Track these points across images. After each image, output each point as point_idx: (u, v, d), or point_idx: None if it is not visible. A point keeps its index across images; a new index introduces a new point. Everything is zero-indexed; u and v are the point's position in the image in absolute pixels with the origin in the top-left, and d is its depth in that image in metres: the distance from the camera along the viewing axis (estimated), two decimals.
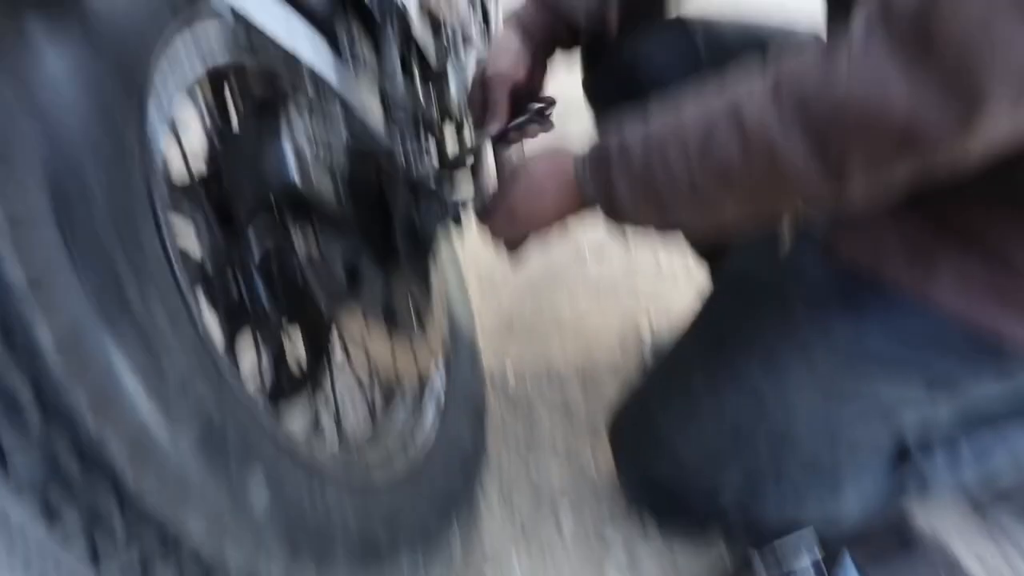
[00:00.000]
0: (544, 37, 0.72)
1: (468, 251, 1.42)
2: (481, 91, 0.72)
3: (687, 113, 0.51)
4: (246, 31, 0.45)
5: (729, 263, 0.73)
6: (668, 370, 0.73)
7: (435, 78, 0.93)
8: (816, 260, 0.61)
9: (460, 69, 0.98)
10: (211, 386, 0.39)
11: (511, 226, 0.61)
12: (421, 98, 0.85)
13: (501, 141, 0.67)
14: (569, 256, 1.39)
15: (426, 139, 0.78)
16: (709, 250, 0.99)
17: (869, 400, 0.60)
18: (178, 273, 0.40)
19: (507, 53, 0.71)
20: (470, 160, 0.78)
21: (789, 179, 0.44)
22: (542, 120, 0.68)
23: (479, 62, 0.94)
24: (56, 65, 0.35)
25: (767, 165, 0.45)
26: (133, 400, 0.33)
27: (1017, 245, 0.51)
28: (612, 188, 0.54)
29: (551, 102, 0.70)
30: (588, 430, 1.02)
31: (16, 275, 0.29)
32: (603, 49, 0.77)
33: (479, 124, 0.73)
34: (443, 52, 0.94)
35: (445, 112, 1.06)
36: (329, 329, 0.53)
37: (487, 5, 1.34)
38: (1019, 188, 0.49)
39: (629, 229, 0.57)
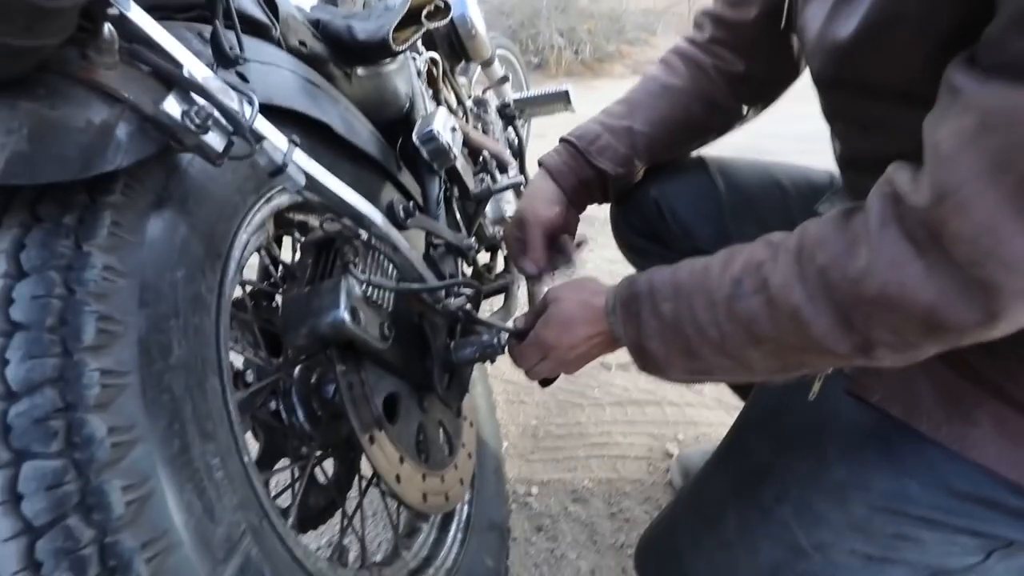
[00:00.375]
0: (574, 185, 0.77)
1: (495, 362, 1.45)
2: (518, 231, 0.77)
3: (714, 264, 0.54)
4: (312, 194, 0.51)
5: (757, 393, 0.73)
6: (698, 505, 0.71)
7: (472, 205, 1.01)
8: (848, 401, 0.61)
9: (496, 196, 1.07)
10: (253, 522, 0.41)
11: (542, 359, 0.63)
12: (460, 226, 0.92)
13: (535, 279, 0.72)
14: (594, 366, 1.40)
15: (462, 267, 0.83)
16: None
17: (912, 553, 0.57)
18: (234, 416, 0.43)
19: (542, 198, 0.77)
20: (502, 288, 0.82)
21: (815, 342, 0.46)
22: (573, 263, 0.73)
23: (513, 185, 1.02)
24: (156, 233, 0.40)
25: (793, 327, 0.46)
26: (184, 547, 0.35)
27: None
28: (641, 330, 0.56)
29: (582, 242, 0.75)
30: (612, 550, 0.98)
31: (99, 426, 0.32)
32: (630, 186, 0.84)
33: (515, 262, 0.78)
34: (480, 180, 1.03)
35: (481, 238, 1.14)
36: (361, 457, 0.54)
37: (519, 132, 1.47)
38: None
39: (660, 373, 0.58)
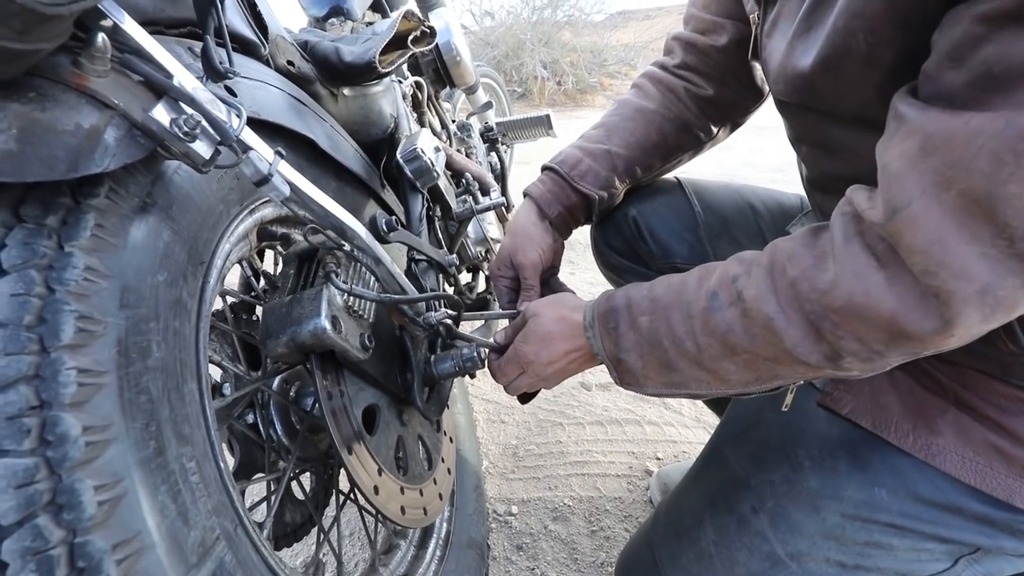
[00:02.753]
0: (560, 212, 0.79)
1: (476, 380, 1.45)
2: (509, 270, 0.78)
3: (690, 280, 0.55)
4: (296, 206, 0.52)
5: (733, 408, 0.74)
6: (676, 519, 0.71)
7: (455, 225, 1.02)
8: (820, 414, 0.62)
9: (479, 217, 1.08)
10: (228, 528, 0.40)
11: (520, 374, 0.64)
12: (442, 245, 0.93)
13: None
14: (574, 386, 1.41)
15: (444, 285, 0.84)
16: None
17: (884, 560, 0.58)
18: (211, 421, 0.42)
19: (529, 238, 0.77)
20: (484, 304, 0.83)
21: (787, 352, 0.47)
22: None
23: (495, 206, 1.04)
24: (139, 237, 0.41)
25: (767, 338, 0.48)
26: (157, 550, 0.34)
27: (1016, 414, 0.53)
28: (619, 344, 0.57)
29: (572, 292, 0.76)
30: (593, 568, 0.97)
31: (73, 425, 0.32)
32: (610, 207, 0.86)
33: (503, 300, 0.78)
34: (463, 201, 1.05)
35: (463, 259, 1.15)
36: (339, 472, 0.54)
37: (502, 156, 1.50)
38: (1001, 363, 0.52)
39: (637, 387, 0.59)
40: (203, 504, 0.38)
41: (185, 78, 0.43)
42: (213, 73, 0.49)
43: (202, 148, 0.43)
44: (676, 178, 0.89)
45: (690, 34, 0.80)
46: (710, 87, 0.79)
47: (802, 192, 0.81)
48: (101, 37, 0.38)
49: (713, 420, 1.29)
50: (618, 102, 0.85)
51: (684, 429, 1.28)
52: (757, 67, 0.78)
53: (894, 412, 0.59)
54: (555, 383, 0.66)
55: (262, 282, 0.73)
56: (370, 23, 1.25)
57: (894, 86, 0.44)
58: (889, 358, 0.45)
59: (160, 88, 0.42)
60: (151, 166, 0.44)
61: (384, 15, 1.43)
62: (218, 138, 0.44)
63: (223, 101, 0.45)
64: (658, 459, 1.20)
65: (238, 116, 0.46)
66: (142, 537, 0.33)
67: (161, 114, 0.40)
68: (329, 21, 1.21)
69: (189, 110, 0.42)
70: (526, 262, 0.76)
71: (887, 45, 0.44)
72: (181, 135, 0.41)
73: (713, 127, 0.82)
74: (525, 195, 0.83)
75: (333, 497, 0.71)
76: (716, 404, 1.03)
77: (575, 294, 0.72)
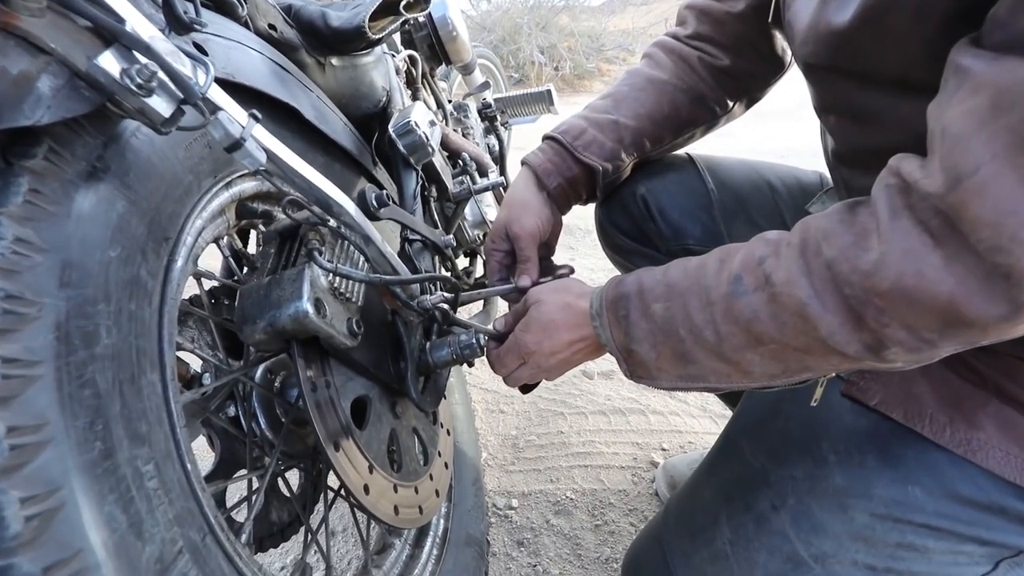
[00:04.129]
0: (559, 184, 0.74)
1: (474, 368, 1.40)
2: (504, 243, 0.72)
3: (709, 262, 0.50)
4: (275, 177, 0.46)
5: (749, 397, 0.70)
6: (688, 516, 0.67)
7: (452, 206, 0.97)
8: (845, 404, 0.58)
9: (476, 199, 1.03)
10: (193, 539, 0.35)
11: (521, 364, 0.59)
12: (438, 226, 0.88)
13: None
14: (576, 375, 1.36)
15: (440, 267, 0.79)
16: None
17: (918, 563, 0.54)
18: (177, 417, 0.37)
19: (526, 208, 0.72)
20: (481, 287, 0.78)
21: (822, 342, 0.43)
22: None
23: (494, 185, 0.98)
24: (86, 206, 0.35)
25: (798, 326, 0.43)
26: (102, 571, 0.29)
27: None
28: (629, 333, 0.52)
29: (571, 270, 0.71)
30: (597, 564, 0.93)
31: None
32: (617, 184, 0.81)
33: (491, 274, 0.73)
34: (459, 182, 0.99)
35: (460, 242, 1.09)
36: (328, 467, 0.49)
37: (501, 136, 1.44)
38: None
39: (650, 380, 0.54)
40: (162, 513, 0.33)
41: (140, 24, 0.37)
42: (177, 24, 0.43)
43: (160, 105, 0.37)
44: (687, 154, 0.84)
45: (705, 1, 0.74)
46: (726, 57, 0.73)
47: (821, 169, 0.76)
48: None
49: (721, 410, 1.25)
50: (628, 72, 0.79)
51: (690, 419, 1.23)
52: (777, 36, 0.72)
53: (928, 403, 0.54)
54: (557, 375, 0.61)
55: (244, 264, 0.68)
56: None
57: (948, 41, 0.39)
58: (941, 348, 0.40)
59: (109, 34, 0.36)
60: (103, 126, 0.38)
61: None
62: (180, 95, 0.38)
63: (187, 55, 0.40)
64: (664, 450, 1.16)
65: (205, 71, 0.40)
66: (83, 556, 0.28)
67: (109, 62, 0.35)
68: None
69: (144, 60, 0.36)
70: (522, 232, 0.71)
71: None
72: (134, 87, 0.35)
73: (729, 100, 0.76)
74: (523, 164, 0.78)
75: (322, 494, 0.66)
76: (728, 396, 0.98)
77: (577, 276, 0.66)
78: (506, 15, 6.90)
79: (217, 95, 0.41)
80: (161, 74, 0.37)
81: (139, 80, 0.35)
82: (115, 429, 0.31)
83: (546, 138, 0.76)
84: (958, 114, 0.36)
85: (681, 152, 0.82)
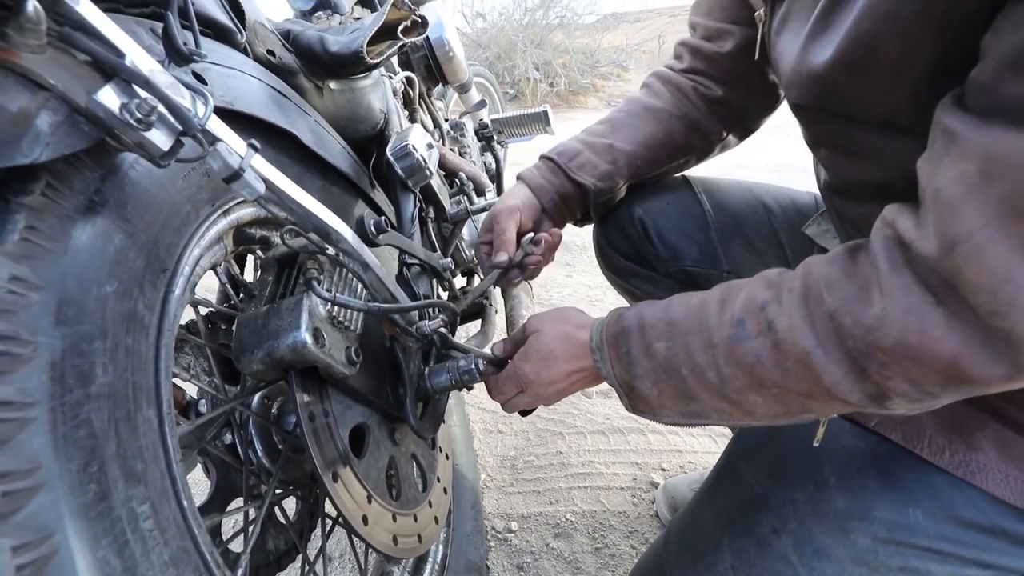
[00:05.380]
0: (554, 200, 0.75)
1: (472, 390, 1.39)
2: (489, 232, 0.74)
3: (710, 301, 0.50)
4: (273, 206, 0.46)
5: None
6: (689, 539, 0.66)
7: (449, 227, 0.97)
8: (844, 426, 0.58)
9: (474, 219, 1.03)
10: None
11: (519, 392, 0.59)
12: (436, 249, 0.88)
13: (506, 276, 0.68)
14: (576, 395, 1.35)
15: (438, 290, 0.79)
16: None
17: None
18: (173, 453, 0.37)
19: (515, 196, 0.74)
20: (479, 309, 0.78)
21: (825, 389, 0.43)
22: (544, 253, 0.70)
23: (491, 206, 0.99)
24: (83, 241, 0.35)
25: (802, 373, 0.43)
26: None
27: None
28: (631, 370, 0.52)
29: (557, 236, 0.72)
30: None
31: None
32: (612, 205, 0.81)
33: (483, 263, 0.74)
34: (456, 202, 1.00)
35: (457, 262, 1.10)
36: (326, 495, 0.48)
37: (497, 155, 1.45)
38: None
39: (652, 415, 0.54)
40: (157, 555, 0.32)
41: (140, 57, 0.37)
42: (176, 55, 0.43)
43: (159, 138, 0.37)
44: (684, 176, 0.84)
45: (696, 41, 0.76)
46: (720, 89, 0.75)
47: (815, 190, 0.76)
48: (33, 6, 0.32)
49: (721, 430, 1.24)
50: (626, 99, 0.80)
51: (690, 438, 1.23)
52: (769, 70, 0.74)
53: (927, 425, 0.54)
54: (555, 401, 0.61)
55: (241, 290, 0.68)
56: (358, 18, 1.20)
57: (930, 92, 0.39)
58: (943, 399, 0.40)
59: (109, 68, 0.36)
60: (101, 159, 0.38)
61: (373, 10, 1.38)
62: (179, 127, 0.38)
63: (186, 86, 0.40)
64: (663, 470, 1.15)
65: (204, 103, 0.40)
66: None
67: (109, 98, 0.35)
68: (315, 15, 1.16)
69: (144, 94, 0.37)
70: (501, 209, 0.72)
71: (921, 50, 0.39)
72: (133, 122, 0.35)
73: (723, 130, 0.78)
74: (518, 179, 0.79)
75: (319, 521, 0.65)
76: None
77: (577, 308, 0.66)
78: (501, 32, 6.99)
79: (216, 126, 0.41)
80: (160, 108, 0.37)
81: (139, 115, 0.35)
82: (110, 470, 0.31)
83: (542, 157, 0.77)
84: (949, 179, 0.36)
85: (678, 175, 0.83)
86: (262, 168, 0.44)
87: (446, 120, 1.43)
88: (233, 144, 0.42)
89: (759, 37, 0.61)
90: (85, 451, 0.30)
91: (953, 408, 0.53)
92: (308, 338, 0.44)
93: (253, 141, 0.44)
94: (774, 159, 3.46)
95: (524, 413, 0.66)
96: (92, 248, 0.35)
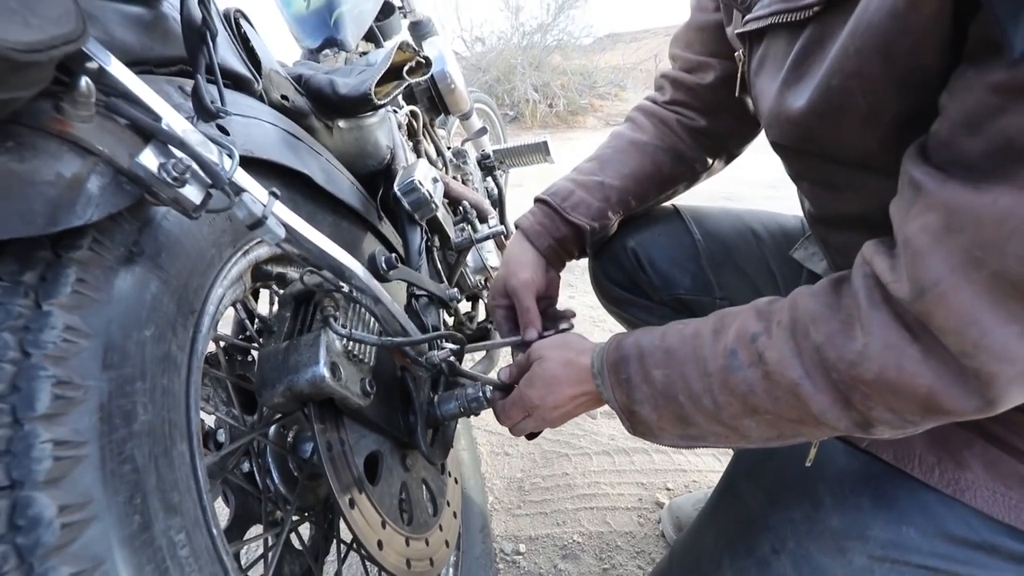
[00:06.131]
0: (550, 244, 0.78)
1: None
2: (504, 299, 0.76)
3: (704, 331, 0.53)
4: (292, 247, 0.50)
5: None
6: (693, 561, 0.68)
7: (453, 255, 1.00)
8: (838, 447, 0.60)
9: (477, 246, 1.06)
10: None
11: (525, 417, 0.62)
12: (442, 276, 0.91)
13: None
14: (580, 417, 1.37)
15: (444, 318, 0.82)
16: None
17: None
18: (203, 484, 0.39)
19: (521, 263, 0.76)
20: (484, 337, 0.81)
21: (814, 416, 0.45)
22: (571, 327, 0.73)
23: (494, 234, 1.02)
24: (124, 290, 0.38)
25: (791, 402, 0.46)
26: None
27: None
28: (631, 395, 0.55)
29: (572, 314, 0.75)
30: None
31: (47, 506, 0.29)
32: (606, 239, 0.84)
33: (502, 330, 0.76)
34: (460, 229, 1.03)
35: (462, 288, 1.13)
36: (340, 520, 0.51)
37: (499, 182, 1.49)
38: None
39: (652, 438, 0.57)
40: None
41: (175, 120, 0.41)
42: (204, 113, 0.47)
43: (192, 193, 0.40)
44: (673, 205, 0.88)
45: (677, 72, 0.80)
46: (702, 119, 0.78)
47: (802, 214, 0.80)
48: (85, 81, 0.36)
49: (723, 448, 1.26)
50: (612, 135, 0.84)
51: (694, 457, 1.24)
52: (749, 101, 0.77)
53: (917, 444, 0.56)
54: (560, 424, 0.64)
55: (256, 323, 0.71)
56: (364, 53, 1.25)
57: (898, 141, 0.43)
58: (924, 425, 0.43)
59: (148, 131, 0.40)
60: (138, 212, 0.41)
61: (378, 45, 1.43)
62: (209, 181, 0.42)
63: (214, 142, 0.44)
64: (668, 489, 1.16)
65: (230, 157, 0.44)
66: None
67: (149, 159, 0.38)
68: (323, 52, 1.21)
69: (178, 153, 0.40)
70: (519, 285, 0.74)
71: (887, 104, 0.43)
72: (170, 180, 0.39)
73: (708, 158, 0.81)
74: (516, 227, 0.82)
75: (333, 545, 0.67)
76: None
77: (578, 333, 0.69)
78: (500, 56, 7.13)
79: (241, 177, 0.45)
80: (194, 166, 0.40)
81: (175, 173, 0.39)
82: (152, 502, 0.34)
83: (537, 200, 0.81)
84: (917, 228, 0.39)
85: (668, 204, 0.86)
86: (282, 214, 0.48)
87: (448, 148, 1.47)
88: (256, 193, 0.46)
89: (739, 75, 0.64)
90: (130, 485, 0.33)
91: (941, 428, 0.56)
92: (326, 372, 0.47)
93: (274, 189, 0.48)
94: (769, 175, 3.51)
95: (531, 436, 0.69)
96: (132, 296, 0.38)
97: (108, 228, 0.38)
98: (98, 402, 0.33)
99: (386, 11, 1.47)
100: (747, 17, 0.55)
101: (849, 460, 0.60)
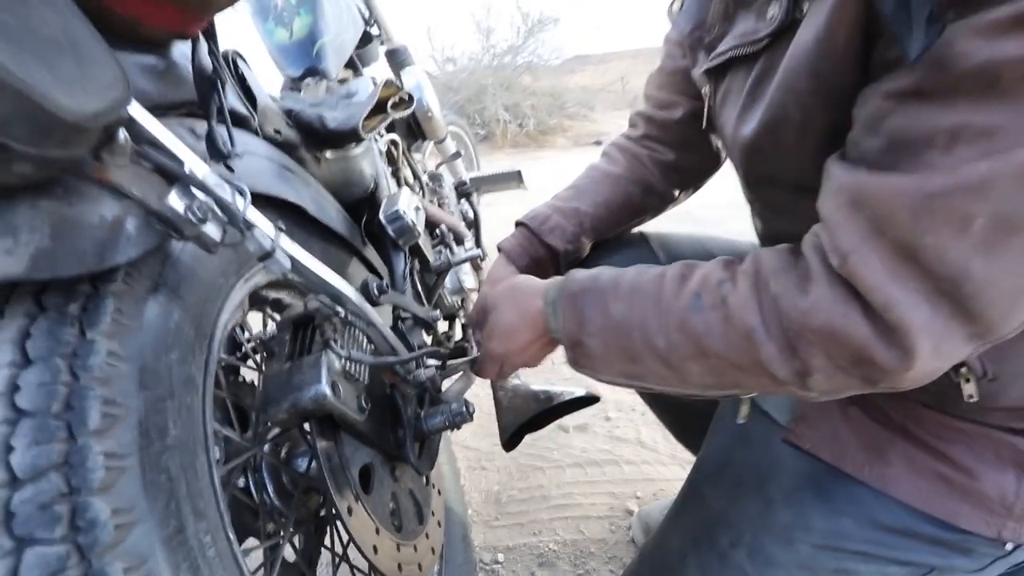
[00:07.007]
0: (529, 264, 0.85)
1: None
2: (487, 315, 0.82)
3: (669, 275, 0.56)
4: (295, 276, 0.55)
5: (707, 447, 0.79)
6: (660, 558, 0.74)
7: (432, 277, 1.06)
8: (786, 450, 0.67)
9: (455, 268, 1.12)
10: None
11: (500, 365, 0.67)
12: (422, 298, 0.96)
13: None
14: (552, 428, 1.43)
15: (425, 337, 0.87)
16: (685, 433, 1.07)
17: None
18: (219, 492, 0.44)
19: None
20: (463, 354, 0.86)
21: (759, 364, 0.50)
22: None
23: (471, 258, 1.08)
24: (152, 318, 0.42)
25: (743, 346, 0.50)
26: None
27: (955, 443, 0.59)
28: (583, 326, 0.58)
29: None
30: None
31: (102, 509, 0.33)
32: (580, 261, 0.92)
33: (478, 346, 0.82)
34: (438, 252, 1.09)
35: (440, 308, 1.18)
36: (327, 530, 0.55)
37: (475, 206, 1.56)
38: (937, 394, 0.59)
39: (593, 371, 0.60)
40: None
41: (195, 164, 0.46)
42: (217, 154, 0.52)
43: (212, 230, 0.45)
44: (641, 232, 0.96)
45: (650, 110, 0.89)
46: (672, 153, 0.87)
47: (754, 239, 0.89)
48: (123, 133, 0.41)
49: (689, 458, 1.33)
50: (588, 167, 0.92)
51: (660, 467, 1.31)
52: (713, 137, 0.87)
53: (850, 445, 0.64)
54: (537, 363, 0.68)
55: (248, 343, 0.74)
56: (343, 80, 1.30)
57: (826, 155, 0.50)
58: (850, 379, 0.48)
59: (172, 175, 0.45)
60: (161, 248, 0.46)
61: (355, 71, 1.49)
62: (226, 219, 0.47)
63: (227, 182, 0.48)
64: (638, 498, 1.22)
65: (242, 195, 0.49)
66: None
67: (175, 201, 0.43)
68: (305, 81, 1.26)
69: (200, 195, 0.45)
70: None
71: (817, 116, 0.51)
72: (194, 220, 0.43)
73: (675, 190, 0.90)
74: (499, 249, 0.89)
75: (321, 556, 0.70)
76: (688, 438, 1.07)
77: (528, 276, 0.70)
78: (471, 76, 7.27)
79: (251, 214, 0.50)
80: (213, 205, 0.45)
81: (199, 214, 0.43)
82: (184, 507, 0.38)
83: (518, 224, 0.88)
84: (832, 207, 0.47)
85: (636, 230, 0.95)
86: (288, 247, 0.53)
87: (424, 172, 1.53)
88: (265, 228, 0.51)
89: (705, 109, 0.72)
90: (166, 492, 0.37)
91: (870, 430, 0.64)
92: (328, 391, 0.52)
93: (280, 224, 0.52)
94: (727, 197, 3.68)
95: (510, 447, 0.74)
96: (159, 323, 0.42)
97: (137, 263, 0.43)
98: (137, 419, 0.37)
99: (364, 39, 1.53)
100: (711, 54, 0.64)
101: (795, 462, 0.68)
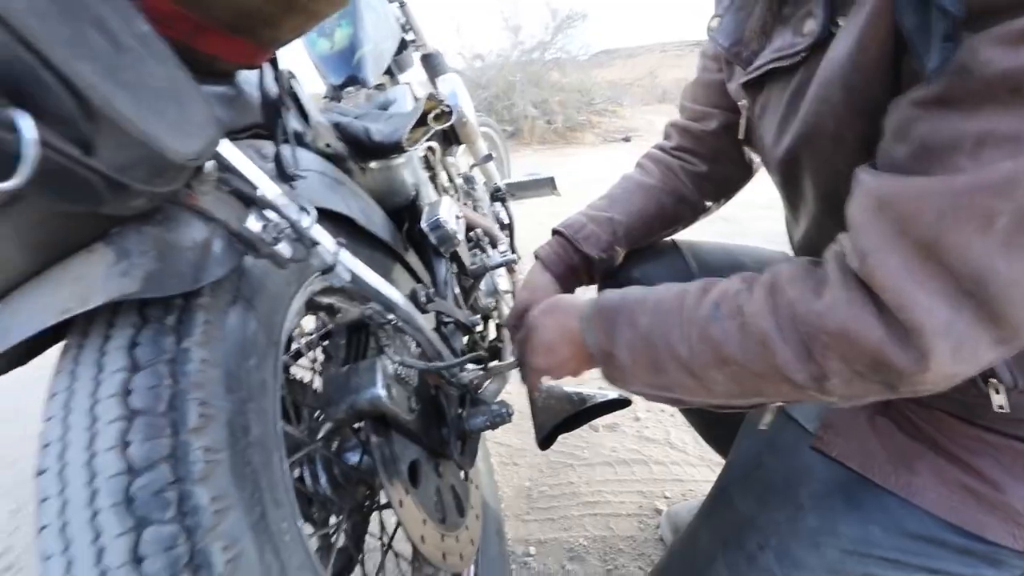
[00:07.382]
0: (564, 272, 0.88)
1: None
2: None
3: (692, 289, 0.59)
4: (353, 287, 0.59)
5: (736, 452, 0.81)
6: (689, 557, 0.77)
7: (469, 280, 1.10)
8: (815, 457, 0.69)
9: (491, 271, 1.16)
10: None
11: (544, 375, 0.71)
12: (460, 301, 1.01)
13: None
14: (583, 428, 1.46)
15: (465, 339, 0.92)
16: (715, 439, 1.09)
17: None
18: (291, 486, 0.49)
19: (542, 288, 0.86)
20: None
21: (776, 369, 0.51)
22: None
23: (506, 263, 1.12)
24: (233, 327, 0.48)
25: (759, 352, 0.52)
26: None
27: (982, 455, 0.60)
28: (614, 339, 0.61)
29: None
30: None
31: (203, 497, 0.38)
32: (613, 269, 0.95)
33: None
34: (474, 255, 1.13)
35: (475, 310, 1.23)
36: (368, 521, 0.59)
37: (510, 211, 1.60)
38: (967, 406, 0.60)
39: (623, 383, 0.63)
40: (295, 561, 0.44)
41: (268, 187, 0.51)
42: (283, 175, 0.57)
43: (284, 248, 0.50)
44: (673, 240, 0.98)
45: (684, 121, 0.91)
46: (704, 164, 0.89)
47: (786, 250, 0.90)
48: (211, 163, 0.46)
49: (717, 459, 1.35)
50: (622, 177, 0.95)
51: (689, 468, 1.33)
52: (746, 148, 0.88)
53: (878, 455, 0.66)
54: (579, 374, 0.71)
55: (294, 344, 0.80)
56: (380, 85, 1.36)
57: (859, 164, 0.51)
58: (869, 384, 0.49)
59: (248, 198, 0.50)
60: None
61: (393, 78, 1.54)
62: (295, 236, 0.52)
63: (294, 202, 0.53)
64: (666, 497, 1.25)
65: (308, 215, 0.53)
66: None
67: (253, 223, 0.48)
68: (346, 89, 1.31)
69: (273, 216, 0.50)
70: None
71: (850, 127, 0.53)
72: (270, 240, 0.48)
73: (706, 201, 0.92)
74: (535, 256, 0.92)
75: (366, 544, 0.76)
76: (717, 443, 1.09)
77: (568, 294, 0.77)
78: (500, 73, 7.29)
79: (315, 231, 0.55)
80: (285, 225, 0.50)
81: (274, 234, 0.48)
82: (265, 497, 0.43)
83: (554, 232, 0.91)
84: (857, 209, 0.48)
85: (668, 239, 0.97)
86: (347, 260, 0.57)
87: (459, 175, 1.58)
88: (327, 244, 0.55)
89: (743, 120, 0.74)
90: (251, 483, 0.42)
91: (898, 440, 0.65)
92: (383, 393, 0.57)
93: (341, 239, 0.57)
94: (762, 199, 3.63)
95: (545, 445, 0.78)
96: (238, 332, 0.47)
97: (219, 278, 0.48)
98: (226, 419, 0.42)
99: (401, 46, 1.58)
100: (749, 68, 0.66)
101: (825, 469, 0.70)
